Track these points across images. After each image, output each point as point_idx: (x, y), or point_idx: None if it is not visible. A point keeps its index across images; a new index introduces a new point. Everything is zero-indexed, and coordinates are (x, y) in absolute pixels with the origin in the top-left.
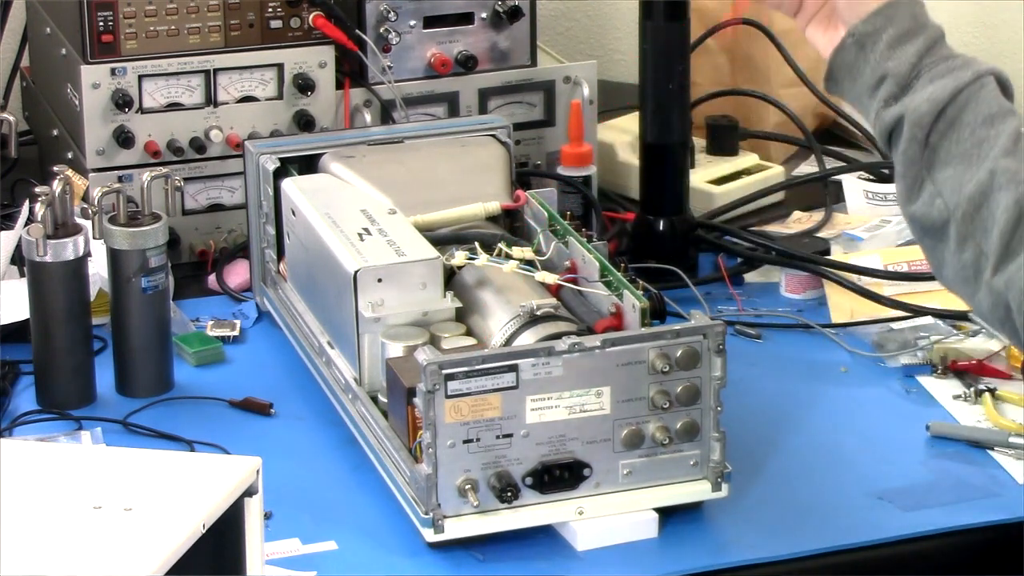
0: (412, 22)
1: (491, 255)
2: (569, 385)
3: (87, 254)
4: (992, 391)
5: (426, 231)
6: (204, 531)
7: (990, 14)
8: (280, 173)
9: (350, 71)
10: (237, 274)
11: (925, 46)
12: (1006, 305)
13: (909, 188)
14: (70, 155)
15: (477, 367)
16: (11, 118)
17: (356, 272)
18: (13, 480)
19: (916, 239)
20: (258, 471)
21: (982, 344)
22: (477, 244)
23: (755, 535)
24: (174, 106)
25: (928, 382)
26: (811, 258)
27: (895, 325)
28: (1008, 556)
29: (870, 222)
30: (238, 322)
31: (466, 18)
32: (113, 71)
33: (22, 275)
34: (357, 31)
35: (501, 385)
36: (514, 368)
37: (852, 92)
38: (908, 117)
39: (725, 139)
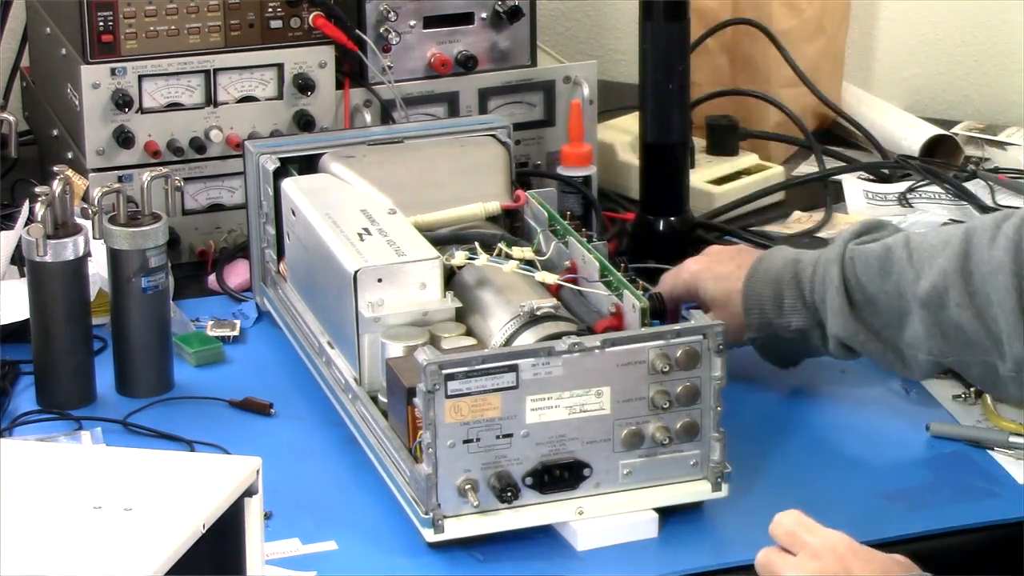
0: (412, 22)
1: (491, 255)
2: (569, 385)
3: (87, 254)
4: None
5: (426, 231)
6: (204, 531)
7: (990, 14)
8: (280, 173)
9: (350, 71)
10: (237, 274)
11: (794, 288)
12: None
13: (893, 365)
14: (70, 155)
15: (477, 367)
16: (11, 118)
17: (356, 272)
18: (13, 480)
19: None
20: (258, 471)
21: None
22: (477, 244)
23: (755, 535)
24: (174, 106)
25: (928, 382)
26: None
27: None
28: (1008, 556)
29: None
30: (238, 322)
31: (466, 18)
32: (113, 71)
33: (22, 275)
34: (357, 31)
35: (501, 385)
36: (514, 368)
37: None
38: (841, 339)
39: (725, 139)
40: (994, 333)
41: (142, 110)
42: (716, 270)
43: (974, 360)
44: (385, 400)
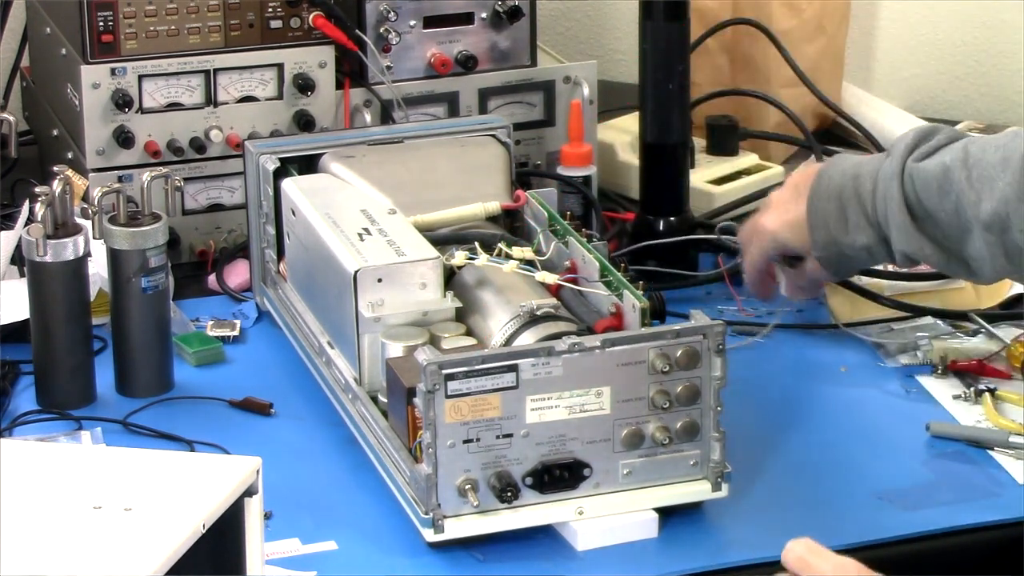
0: (412, 22)
1: (491, 255)
2: (569, 385)
3: (87, 254)
4: (992, 391)
5: (426, 231)
6: (204, 531)
7: (990, 14)
8: (280, 173)
9: (350, 71)
10: (237, 274)
11: (857, 205)
12: None
13: (962, 275)
14: (70, 155)
15: (477, 367)
16: (11, 118)
17: (356, 272)
18: (13, 480)
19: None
20: (258, 471)
21: (982, 344)
22: (477, 244)
23: (755, 535)
24: (174, 106)
25: (928, 382)
26: None
27: (895, 325)
28: (1008, 556)
29: None
30: (238, 322)
31: (466, 18)
32: (113, 71)
33: (22, 275)
34: (357, 31)
35: (501, 385)
36: (514, 368)
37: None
38: (907, 253)
39: (725, 139)
40: None
41: (142, 110)
42: (788, 219)
43: None
44: (385, 400)
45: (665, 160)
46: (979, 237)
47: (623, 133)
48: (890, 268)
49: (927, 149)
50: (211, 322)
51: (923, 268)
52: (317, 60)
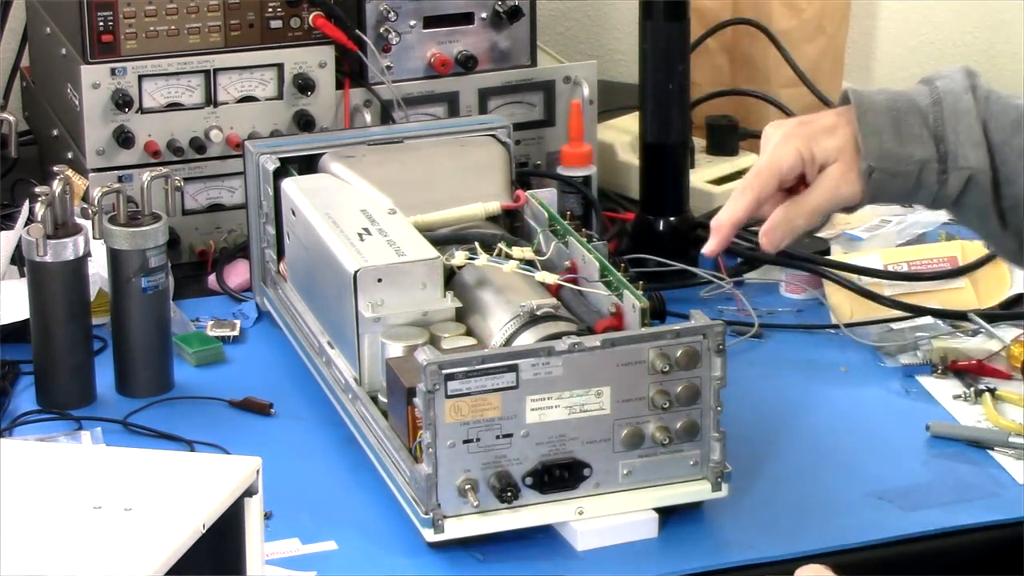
0: (412, 22)
1: (491, 255)
2: (569, 385)
3: (87, 254)
4: (992, 391)
5: (426, 231)
6: (204, 531)
7: (990, 14)
8: (280, 173)
9: (350, 71)
10: (237, 274)
11: (918, 115)
12: None
13: (988, 217)
14: (70, 155)
15: (477, 367)
16: (11, 118)
17: (356, 272)
18: (13, 480)
19: None
20: (258, 471)
21: (982, 344)
22: (477, 244)
23: (755, 535)
24: (174, 106)
25: (928, 382)
26: (811, 258)
27: (895, 325)
28: (1008, 556)
29: (870, 222)
30: (238, 322)
31: (466, 18)
32: (113, 71)
33: (22, 275)
34: (357, 31)
35: (501, 385)
36: (514, 368)
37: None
38: (975, 172)
39: (725, 139)
40: None
41: (142, 110)
42: (820, 124)
43: None
44: (385, 400)
45: (665, 160)
46: None
47: (623, 133)
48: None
49: (987, 83)
50: (211, 322)
51: (923, 268)
52: (317, 60)
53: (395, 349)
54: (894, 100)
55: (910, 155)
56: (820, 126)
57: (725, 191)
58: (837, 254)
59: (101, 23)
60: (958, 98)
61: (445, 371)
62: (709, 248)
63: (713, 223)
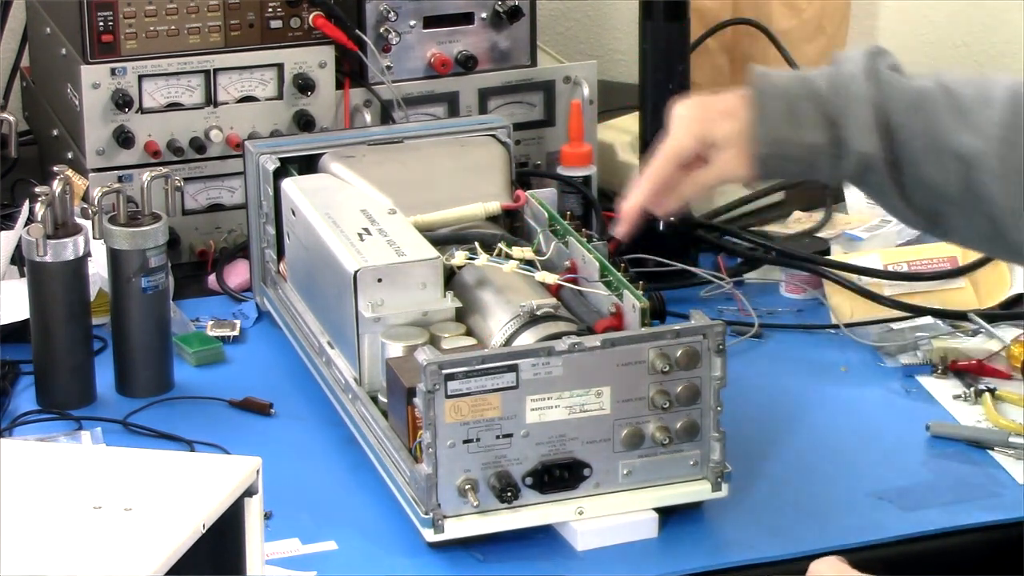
0: (412, 22)
1: (491, 255)
2: (569, 385)
3: (87, 254)
4: (992, 391)
5: (426, 231)
6: (204, 531)
7: (990, 14)
8: (280, 173)
9: (350, 71)
10: (237, 274)
11: (812, 101)
12: None
13: (892, 197)
14: (70, 155)
15: (477, 367)
16: (11, 118)
17: (356, 272)
18: (13, 480)
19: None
20: (258, 471)
21: (982, 344)
22: (477, 244)
23: (755, 535)
24: (174, 106)
25: (928, 382)
26: (811, 258)
27: (895, 325)
28: (1008, 556)
29: (870, 222)
30: (238, 322)
31: (466, 18)
32: (113, 71)
33: (22, 275)
34: (357, 31)
35: (501, 385)
36: (514, 368)
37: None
38: (866, 156)
39: None
40: (1016, 209)
41: (142, 110)
42: (720, 107)
43: (987, 212)
44: (385, 400)
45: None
46: (948, 165)
47: (623, 133)
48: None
49: (892, 64)
50: (211, 322)
51: (923, 268)
52: (317, 60)
53: (395, 349)
54: (793, 84)
55: (802, 140)
56: (720, 109)
57: (725, 191)
58: (837, 254)
59: (101, 23)
60: (854, 83)
61: (445, 371)
62: (619, 232)
63: (621, 210)
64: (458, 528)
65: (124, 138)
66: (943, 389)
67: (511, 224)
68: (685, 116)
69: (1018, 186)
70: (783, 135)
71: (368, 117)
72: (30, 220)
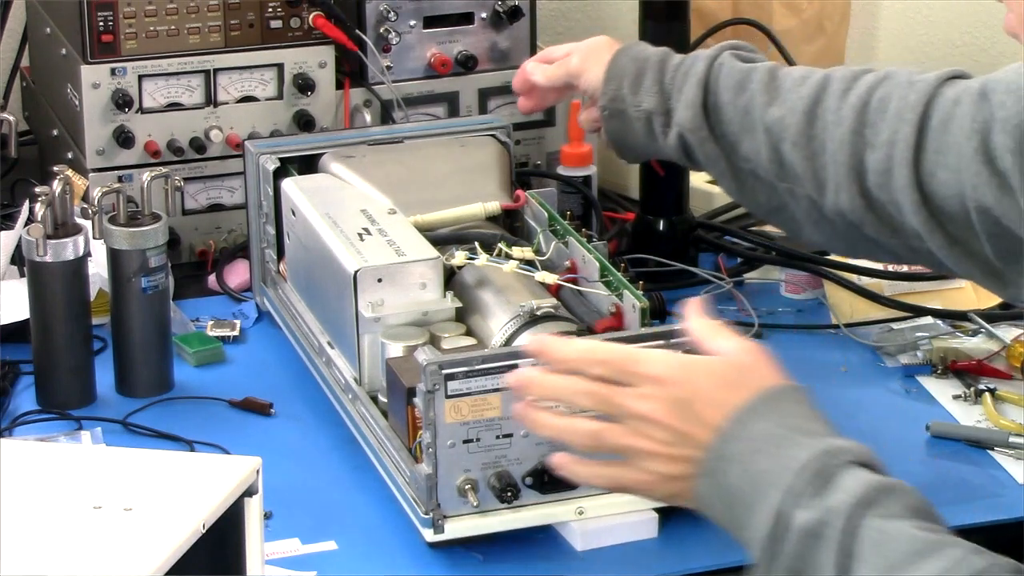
0: (412, 22)
1: (491, 255)
2: None
3: (87, 254)
4: (992, 391)
5: (426, 231)
6: (204, 531)
7: (990, 14)
8: (280, 173)
9: (350, 71)
10: (237, 274)
11: (657, 72)
12: None
13: (723, 176)
14: (70, 155)
15: (477, 367)
16: (11, 118)
17: (356, 272)
18: (13, 480)
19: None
20: (258, 471)
21: (982, 344)
22: (477, 244)
23: None
24: (174, 106)
25: (928, 382)
26: (811, 258)
27: (895, 325)
28: (1008, 556)
29: None
30: (238, 322)
31: (466, 18)
32: (113, 71)
33: (22, 275)
34: (357, 31)
35: (501, 385)
36: (514, 368)
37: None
38: (683, 130)
39: None
40: (820, 179)
41: (142, 110)
42: (600, 57)
43: (802, 193)
44: (385, 400)
45: (665, 160)
46: (760, 137)
47: None
48: (880, 268)
49: (746, 56)
50: (211, 322)
51: (922, 268)
52: (317, 60)
53: (395, 349)
54: (649, 55)
55: (639, 103)
56: (587, 64)
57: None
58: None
59: (101, 23)
60: (694, 63)
61: (445, 371)
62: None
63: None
64: (458, 528)
65: (124, 138)
66: (943, 389)
67: (511, 224)
68: (569, 63)
69: (816, 159)
70: (623, 95)
71: (368, 117)
72: (30, 220)
